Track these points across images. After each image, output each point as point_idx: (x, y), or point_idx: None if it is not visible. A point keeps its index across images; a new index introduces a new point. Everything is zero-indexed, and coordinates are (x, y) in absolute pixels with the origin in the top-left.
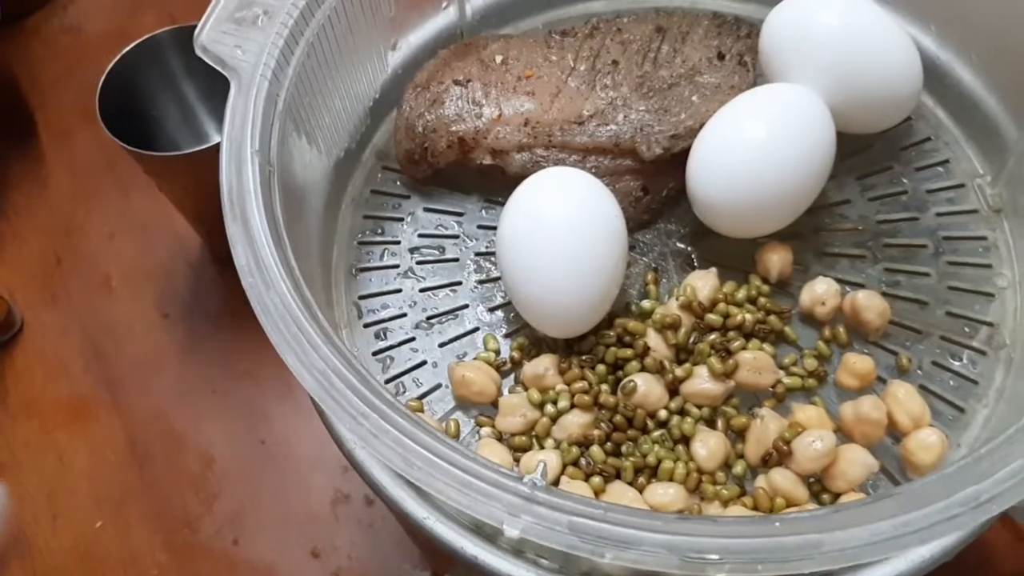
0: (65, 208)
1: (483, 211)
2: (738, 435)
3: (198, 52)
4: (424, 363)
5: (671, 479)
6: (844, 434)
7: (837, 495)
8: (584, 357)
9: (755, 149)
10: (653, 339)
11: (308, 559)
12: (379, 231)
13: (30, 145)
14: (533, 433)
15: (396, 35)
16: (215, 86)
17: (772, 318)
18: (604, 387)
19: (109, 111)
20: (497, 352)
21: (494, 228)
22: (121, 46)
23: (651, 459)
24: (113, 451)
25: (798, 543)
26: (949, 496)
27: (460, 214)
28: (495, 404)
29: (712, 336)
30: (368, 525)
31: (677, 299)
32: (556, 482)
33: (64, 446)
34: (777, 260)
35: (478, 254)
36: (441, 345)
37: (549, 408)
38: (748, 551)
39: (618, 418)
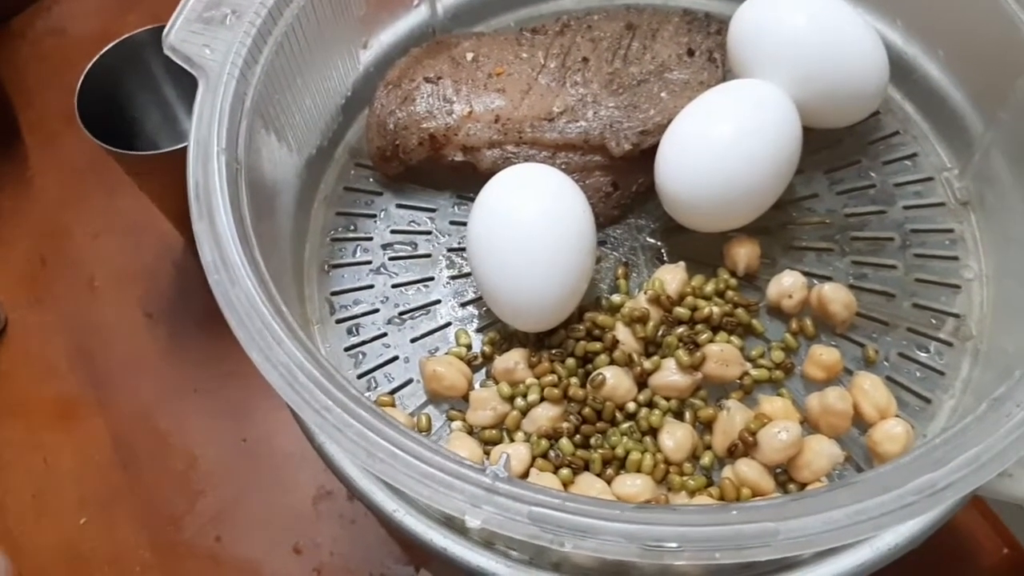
0: (50, 209)
1: (455, 207)
2: (706, 427)
3: (167, 51)
4: (396, 358)
5: (639, 470)
6: (811, 425)
7: (803, 485)
8: (554, 351)
9: (722, 145)
10: (622, 332)
11: (291, 555)
12: (352, 227)
13: (15, 147)
14: (504, 426)
15: (367, 34)
16: (195, 85)
17: (739, 311)
18: (574, 380)
19: (90, 112)
20: (469, 347)
21: (466, 224)
22: (104, 48)
23: (619, 451)
24: (98, 451)
25: (755, 531)
26: (904, 484)
27: (432, 210)
28: (466, 398)
29: (680, 329)
30: (350, 521)
31: (646, 293)
32: (525, 474)
33: (49, 446)
34: (744, 254)
35: (450, 250)
36: (413, 340)
37: (519, 401)
38: (705, 539)
39: (587, 411)
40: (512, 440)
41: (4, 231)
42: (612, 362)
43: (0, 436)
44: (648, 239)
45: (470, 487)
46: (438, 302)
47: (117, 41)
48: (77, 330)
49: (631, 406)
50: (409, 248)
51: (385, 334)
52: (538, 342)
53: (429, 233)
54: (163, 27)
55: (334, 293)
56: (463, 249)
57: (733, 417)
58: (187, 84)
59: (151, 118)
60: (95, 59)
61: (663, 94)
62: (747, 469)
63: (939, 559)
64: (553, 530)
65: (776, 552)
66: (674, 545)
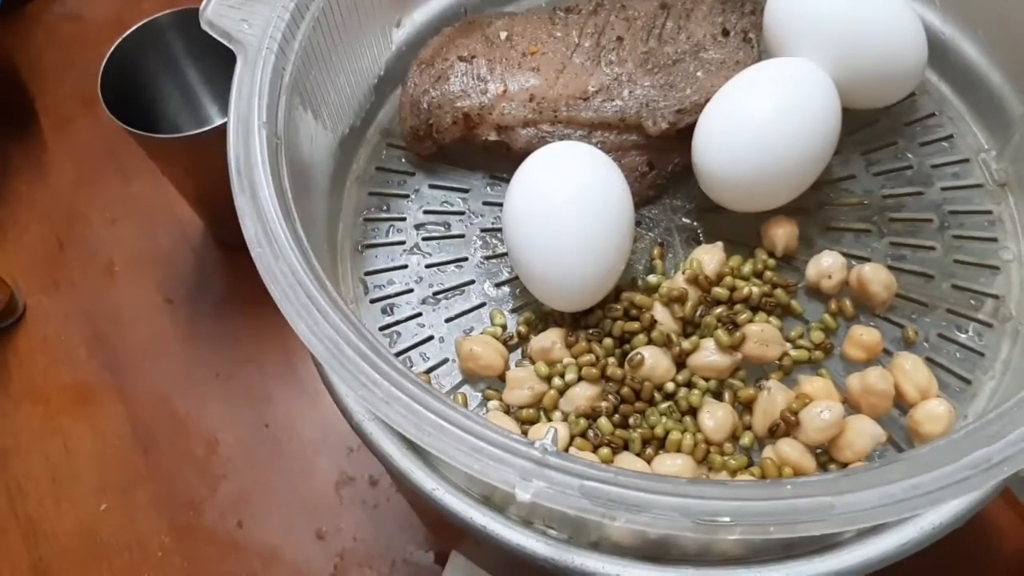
0: (66, 194)
1: (488, 188)
2: (745, 407)
3: (203, 26)
4: (431, 338)
5: (679, 450)
6: (851, 406)
7: (844, 465)
8: (591, 331)
9: (760, 124)
10: (660, 312)
11: (313, 541)
12: (384, 208)
13: (31, 132)
14: (540, 406)
15: (401, 12)
16: (216, 69)
17: (778, 291)
18: (611, 360)
19: (111, 95)
20: (504, 327)
21: (499, 204)
22: (120, 33)
23: (659, 430)
24: (117, 436)
25: (810, 505)
26: (960, 459)
27: (465, 191)
28: (502, 378)
29: (719, 309)
30: (373, 506)
31: (683, 273)
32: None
33: (68, 431)
34: (782, 234)
35: (484, 230)
36: (448, 320)
37: (556, 381)
38: (760, 512)
39: (625, 390)
40: (549, 419)
41: (21, 216)
42: (650, 342)
43: (19, 421)
44: (684, 219)
45: (520, 460)
46: (472, 282)
47: (139, 25)
48: (95, 315)
49: (670, 386)
50: (442, 228)
51: (420, 314)
52: (574, 322)
53: (463, 213)
54: (185, 11)
55: (368, 273)
56: (497, 229)
57: (774, 397)
58: (209, 68)
59: (172, 102)
60: (117, 43)
61: (699, 73)
62: (788, 449)
63: (963, 546)
64: (605, 504)
65: (832, 527)
66: (727, 519)
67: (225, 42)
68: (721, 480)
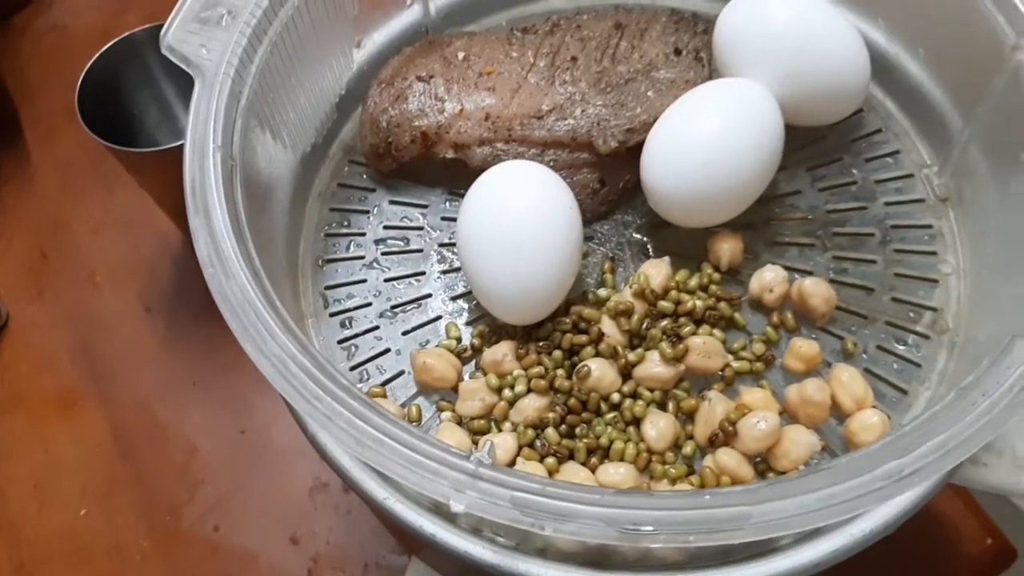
0: (51, 204)
1: (447, 203)
2: (688, 417)
3: (164, 51)
4: (388, 351)
5: (622, 459)
6: (790, 415)
7: (782, 474)
8: (541, 343)
9: (706, 142)
10: (607, 325)
11: (288, 545)
12: (345, 223)
13: (16, 142)
14: (492, 417)
15: (361, 33)
16: (192, 83)
17: (722, 305)
18: (560, 372)
19: (90, 109)
20: (458, 339)
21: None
22: (105, 45)
23: (604, 440)
24: (98, 442)
25: (728, 515)
26: (873, 470)
27: (424, 206)
28: (456, 390)
29: (664, 322)
30: (346, 512)
31: (631, 287)
32: (512, 463)
33: (50, 437)
34: (728, 249)
35: (442, 245)
36: (404, 333)
37: (507, 392)
38: (680, 522)
39: (572, 401)
40: (500, 430)
41: (5, 226)
42: (597, 354)
43: (2, 428)
44: (634, 235)
45: (454, 473)
46: (429, 296)
47: (117, 39)
48: (78, 323)
49: (615, 397)
50: (401, 243)
51: (377, 327)
52: (526, 335)
53: (421, 229)
54: (162, 25)
55: (328, 287)
56: (454, 244)
57: (714, 407)
58: (185, 82)
59: (150, 115)
60: (95, 57)
61: (650, 93)
62: (727, 458)
63: (923, 549)
64: (534, 514)
65: (749, 535)
66: (650, 528)
67: (184, 67)
68: (646, 491)
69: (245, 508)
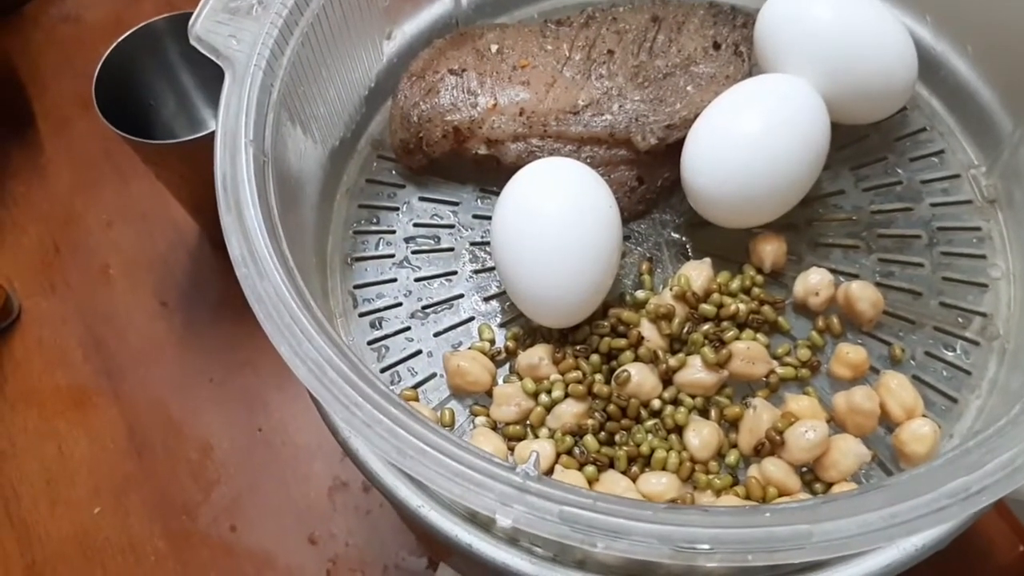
0: (64, 197)
1: (479, 201)
2: (731, 425)
3: (192, 42)
4: (419, 352)
5: (664, 468)
6: (837, 424)
7: (829, 485)
8: (578, 347)
9: (749, 140)
10: (647, 329)
11: (305, 546)
12: (374, 220)
13: (29, 134)
14: (527, 422)
15: (391, 24)
16: (212, 73)
17: (766, 308)
18: (598, 377)
19: (106, 99)
20: (492, 342)
21: (489, 218)
22: (118, 35)
23: (644, 448)
24: (112, 439)
25: (788, 533)
26: (938, 488)
27: (455, 204)
28: (490, 393)
29: (706, 326)
30: (365, 512)
31: (671, 289)
32: (550, 471)
33: (63, 434)
34: (771, 250)
35: (473, 244)
36: (436, 334)
37: (543, 398)
38: (739, 541)
39: (612, 407)
40: (536, 436)
41: (18, 218)
42: (637, 359)
43: (14, 424)
44: (673, 234)
45: (501, 486)
46: (461, 296)
47: (135, 28)
48: (91, 318)
49: (656, 403)
50: (432, 242)
51: (408, 328)
52: (562, 338)
53: (452, 227)
54: (181, 15)
55: (357, 286)
56: (486, 243)
57: (760, 415)
58: (204, 73)
59: (167, 106)
60: (112, 46)
61: (689, 88)
62: (773, 468)
63: (955, 557)
64: (584, 530)
65: (809, 555)
66: (707, 547)
67: (213, 58)
68: (701, 506)
69: (262, 508)
